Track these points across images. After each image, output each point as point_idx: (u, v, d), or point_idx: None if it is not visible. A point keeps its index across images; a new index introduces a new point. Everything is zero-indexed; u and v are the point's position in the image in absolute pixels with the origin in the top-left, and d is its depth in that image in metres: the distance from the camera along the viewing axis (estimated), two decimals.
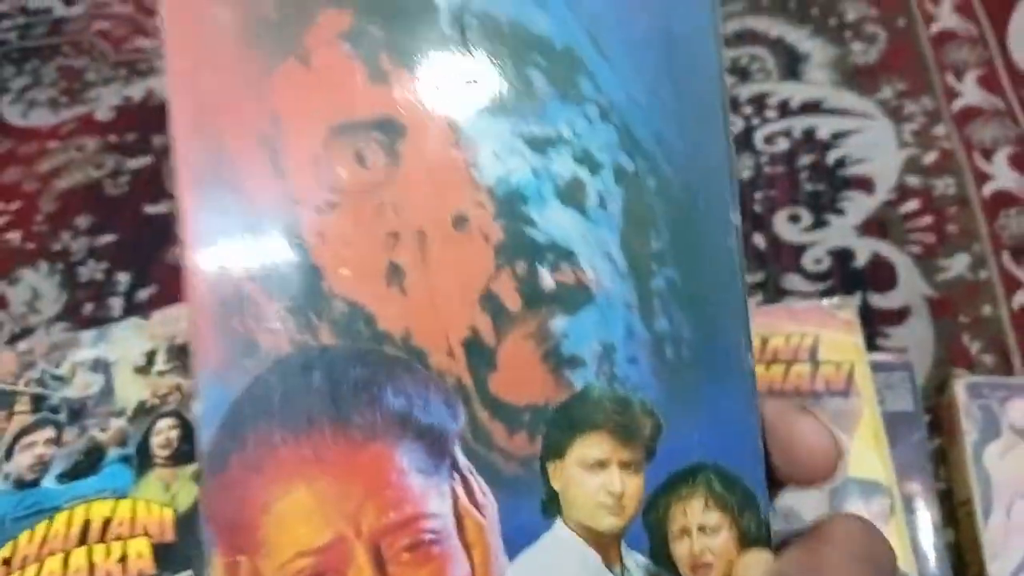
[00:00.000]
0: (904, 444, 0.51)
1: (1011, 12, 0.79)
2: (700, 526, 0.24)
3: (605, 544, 0.25)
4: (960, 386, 0.54)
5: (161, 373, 0.49)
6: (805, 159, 0.72)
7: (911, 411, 0.52)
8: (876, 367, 0.53)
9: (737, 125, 0.75)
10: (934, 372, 0.59)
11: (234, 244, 0.24)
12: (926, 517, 0.49)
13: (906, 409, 0.52)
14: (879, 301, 0.62)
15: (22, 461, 0.46)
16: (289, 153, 0.24)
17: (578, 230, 0.25)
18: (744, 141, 0.74)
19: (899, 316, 0.61)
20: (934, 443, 0.56)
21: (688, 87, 0.25)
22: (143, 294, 0.69)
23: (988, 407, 0.53)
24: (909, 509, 0.49)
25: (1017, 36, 0.78)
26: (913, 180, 0.69)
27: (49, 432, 0.47)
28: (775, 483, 0.25)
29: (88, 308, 0.68)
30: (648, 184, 0.25)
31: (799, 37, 0.82)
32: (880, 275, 0.64)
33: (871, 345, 0.60)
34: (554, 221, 0.25)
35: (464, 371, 0.24)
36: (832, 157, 0.72)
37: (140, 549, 0.43)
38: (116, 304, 0.68)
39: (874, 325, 0.61)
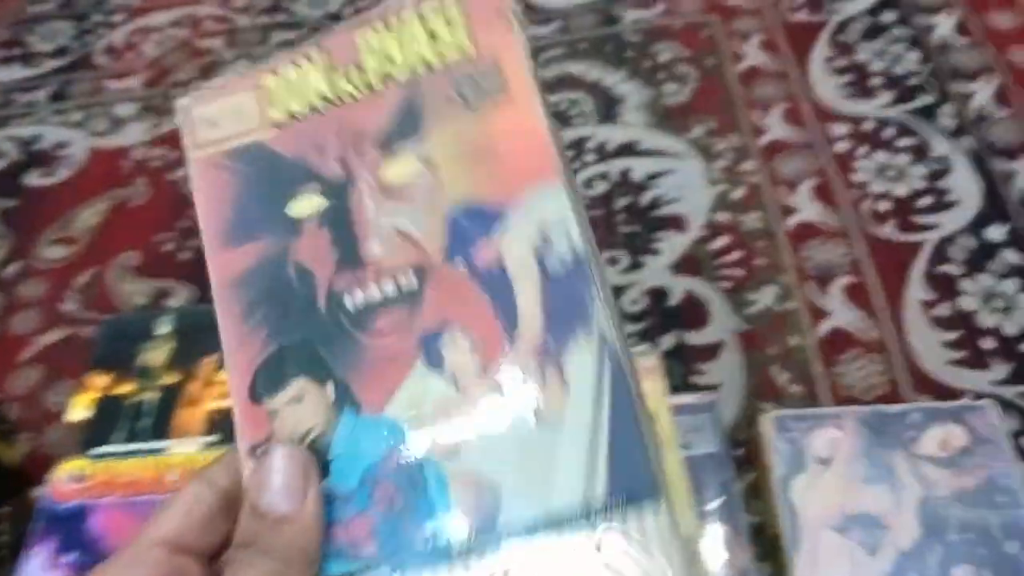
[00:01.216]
0: (712, 486, 0.51)
1: (811, 48, 0.83)
2: None
3: None
4: (766, 421, 0.55)
5: None
6: (621, 201, 0.73)
7: (716, 452, 0.52)
8: (681, 410, 0.53)
9: None
10: (746, 404, 0.60)
11: None
12: (742, 556, 0.49)
13: (711, 451, 0.52)
14: (693, 338, 0.63)
15: None
16: None
17: None
18: None
19: (712, 351, 0.62)
20: (750, 477, 0.57)
21: None
22: None
23: (794, 440, 0.54)
24: (726, 549, 0.49)
25: (818, 71, 0.81)
26: (723, 216, 0.71)
27: None
28: None
29: None
30: None
31: (615, 80, 0.83)
32: (694, 312, 0.65)
33: (686, 383, 0.60)
34: None
35: None
36: (647, 198, 0.73)
37: None
38: None
39: (689, 363, 0.62)
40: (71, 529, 0.44)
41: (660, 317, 0.64)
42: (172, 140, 0.84)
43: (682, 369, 0.61)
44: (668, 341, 0.63)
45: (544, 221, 0.31)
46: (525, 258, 0.31)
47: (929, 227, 0.68)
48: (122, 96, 0.89)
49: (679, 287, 0.66)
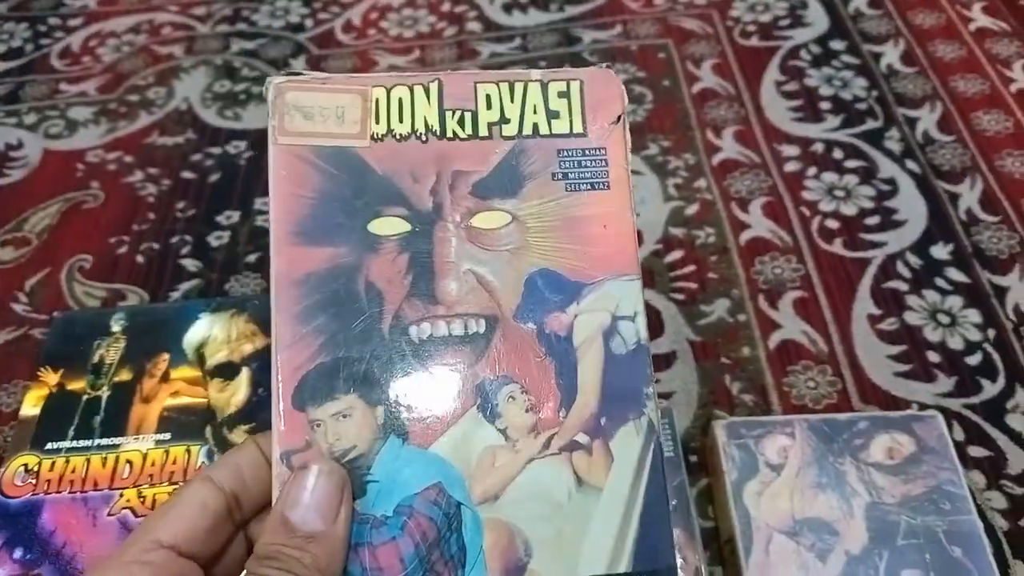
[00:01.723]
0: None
1: (763, 73, 0.85)
2: None
3: None
4: (719, 428, 0.56)
5: None
6: None
7: (671, 456, 0.53)
8: None
9: None
10: (699, 413, 0.61)
11: None
12: (692, 558, 0.50)
13: (667, 455, 0.53)
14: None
15: None
16: None
17: None
18: None
19: (667, 360, 0.63)
20: (702, 483, 0.58)
21: None
22: None
23: (746, 446, 0.55)
24: (679, 551, 0.49)
25: (768, 95, 0.83)
26: (677, 231, 0.72)
27: None
28: None
29: None
30: None
31: None
32: (649, 323, 0.65)
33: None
34: None
35: None
36: None
37: None
38: None
39: None
40: (21, 525, 0.43)
41: None
42: (127, 144, 0.83)
43: None
44: None
45: (618, 307, 0.33)
46: (594, 336, 0.33)
47: (877, 244, 0.70)
48: (77, 100, 0.88)
49: None
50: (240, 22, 0.96)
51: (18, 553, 0.42)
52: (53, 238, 0.75)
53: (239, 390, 0.48)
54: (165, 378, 0.48)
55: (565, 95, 0.35)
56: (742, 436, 0.56)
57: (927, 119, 0.79)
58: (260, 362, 0.49)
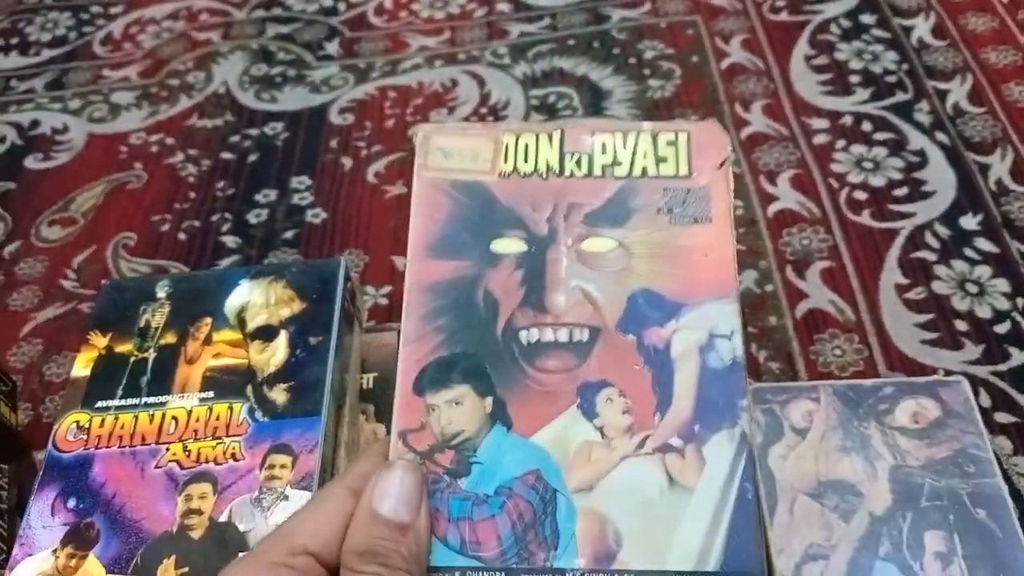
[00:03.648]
0: None
1: (793, 47, 0.86)
2: None
3: None
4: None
5: None
6: None
7: None
8: None
9: None
10: None
11: None
12: None
13: None
14: None
15: None
16: None
17: None
18: None
19: None
20: None
21: None
22: None
23: (771, 411, 0.56)
24: None
25: (798, 69, 0.84)
26: None
27: None
28: None
29: None
30: None
31: (602, 75, 0.85)
32: None
33: None
34: None
35: None
36: None
37: None
38: None
39: None
40: (74, 477, 0.45)
41: None
42: (168, 127, 0.86)
43: None
44: None
45: (715, 326, 0.36)
46: (690, 351, 0.36)
47: (905, 215, 0.70)
48: (120, 85, 0.91)
49: None
50: (275, 7, 0.98)
51: (72, 503, 0.45)
52: (99, 217, 0.78)
53: (278, 351, 0.50)
54: (208, 341, 0.51)
55: (673, 144, 0.40)
56: (768, 401, 0.57)
57: (957, 91, 0.79)
58: (297, 325, 0.51)
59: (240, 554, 0.43)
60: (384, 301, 0.69)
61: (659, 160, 0.39)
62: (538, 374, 0.36)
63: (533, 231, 0.38)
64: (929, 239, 0.69)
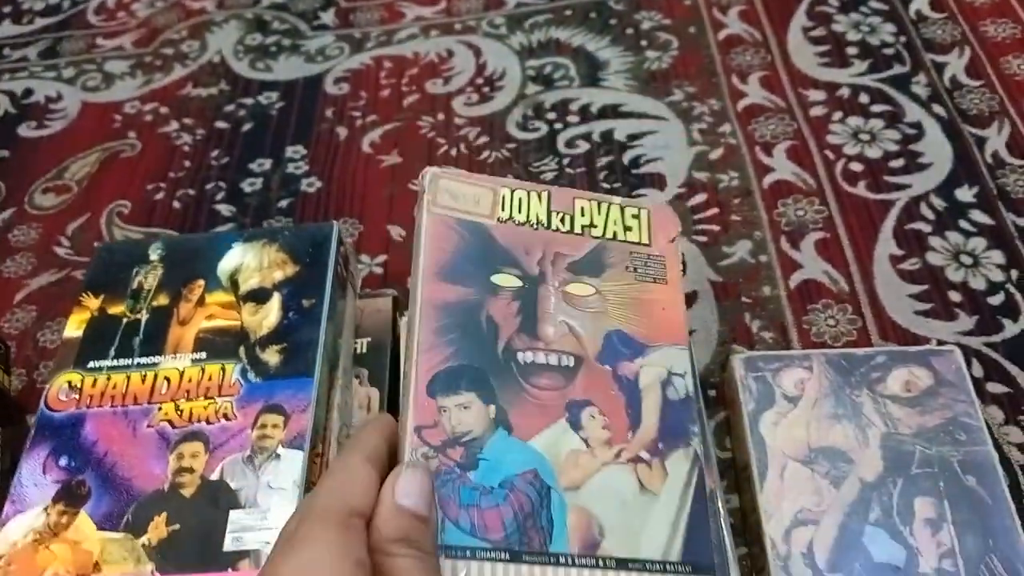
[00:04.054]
0: None
1: (790, 19, 0.85)
2: None
3: None
4: (737, 361, 0.57)
5: None
6: (603, 160, 0.75)
7: None
8: None
9: (542, 130, 0.78)
10: (719, 350, 0.62)
11: None
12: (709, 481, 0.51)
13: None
14: None
15: None
16: None
17: None
18: (548, 145, 0.76)
19: (688, 300, 0.64)
20: (721, 416, 0.59)
21: None
22: None
23: (763, 379, 0.56)
24: None
25: (795, 40, 0.83)
26: (701, 175, 0.73)
27: None
28: None
29: None
30: None
31: (599, 46, 0.85)
32: None
33: None
34: None
35: None
36: (628, 157, 0.75)
37: None
38: None
39: None
40: (66, 436, 0.45)
41: None
42: (163, 96, 0.86)
43: None
44: None
45: (673, 367, 0.45)
46: (654, 383, 0.44)
47: (901, 187, 0.70)
48: (114, 54, 0.90)
49: None
50: None
51: (63, 461, 0.45)
52: (93, 185, 0.78)
53: (271, 313, 0.50)
54: (201, 302, 0.51)
55: (636, 217, 0.49)
56: (760, 369, 0.57)
57: (955, 64, 0.79)
58: (290, 288, 0.51)
59: (232, 512, 0.43)
60: (379, 270, 0.69)
61: (626, 228, 0.49)
62: (533, 389, 0.42)
63: (526, 270, 0.46)
64: (924, 211, 0.69)
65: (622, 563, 0.38)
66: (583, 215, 0.48)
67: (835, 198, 0.70)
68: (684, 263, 0.47)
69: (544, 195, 0.48)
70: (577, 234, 0.48)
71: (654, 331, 0.45)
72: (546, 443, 0.41)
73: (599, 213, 0.49)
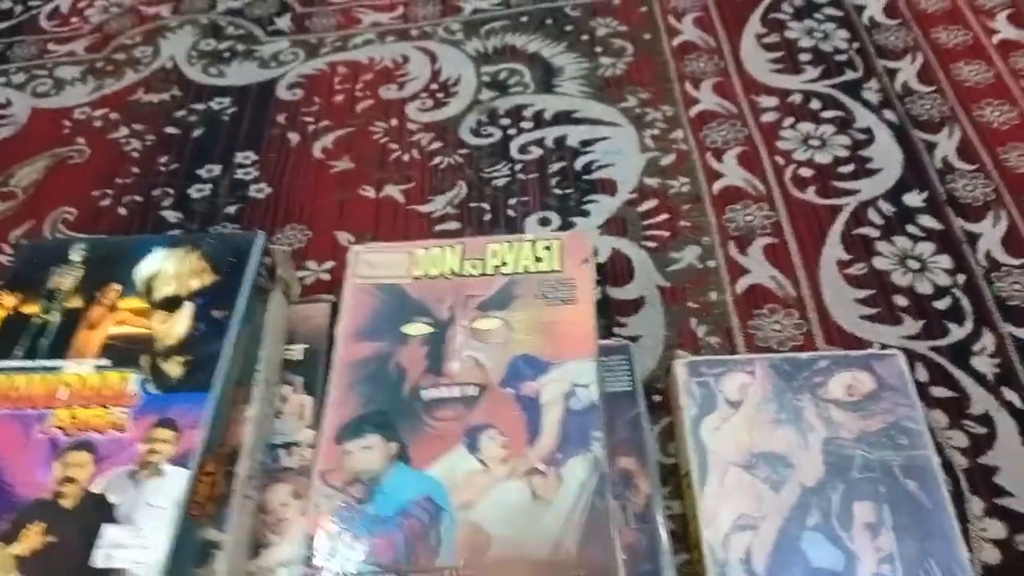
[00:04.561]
0: (622, 422, 0.52)
1: (744, 25, 0.85)
2: None
3: None
4: (680, 366, 0.57)
5: None
6: (556, 165, 0.75)
7: (629, 390, 0.54)
8: (600, 351, 0.55)
9: (495, 136, 0.77)
10: (665, 355, 0.61)
11: None
12: (644, 485, 0.51)
13: (624, 389, 0.54)
14: (617, 293, 0.65)
15: None
16: None
17: None
18: (502, 151, 0.76)
19: (635, 306, 0.64)
20: (666, 421, 0.58)
21: None
22: None
23: (706, 383, 0.56)
24: (625, 484, 0.50)
25: (749, 47, 0.83)
26: (652, 181, 0.73)
27: None
28: None
29: None
30: None
31: (554, 52, 0.85)
32: (618, 269, 0.66)
33: (609, 335, 0.62)
34: None
35: None
36: (580, 163, 0.74)
37: None
38: None
39: (612, 316, 0.63)
40: None
41: None
42: (114, 101, 0.85)
43: (605, 321, 0.63)
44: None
45: (577, 379, 0.49)
46: (556, 397, 0.48)
47: (849, 192, 0.70)
48: (66, 59, 0.89)
49: (606, 246, 0.68)
50: None
51: None
52: (39, 192, 0.77)
53: (180, 323, 0.49)
54: (113, 307, 0.50)
55: (548, 248, 0.55)
56: (702, 374, 0.56)
57: (907, 70, 0.79)
58: (205, 299, 0.50)
59: (106, 527, 0.42)
60: (326, 276, 0.68)
61: (537, 259, 0.54)
62: (435, 422, 0.47)
63: (437, 317, 0.51)
64: (872, 216, 0.69)
65: (508, 570, 0.42)
66: (495, 257, 0.54)
67: (784, 203, 0.70)
68: (611, 276, 0.53)
69: (458, 248, 0.55)
70: (488, 275, 0.53)
71: (560, 349, 0.50)
72: (443, 469, 0.45)
73: (510, 252, 0.54)
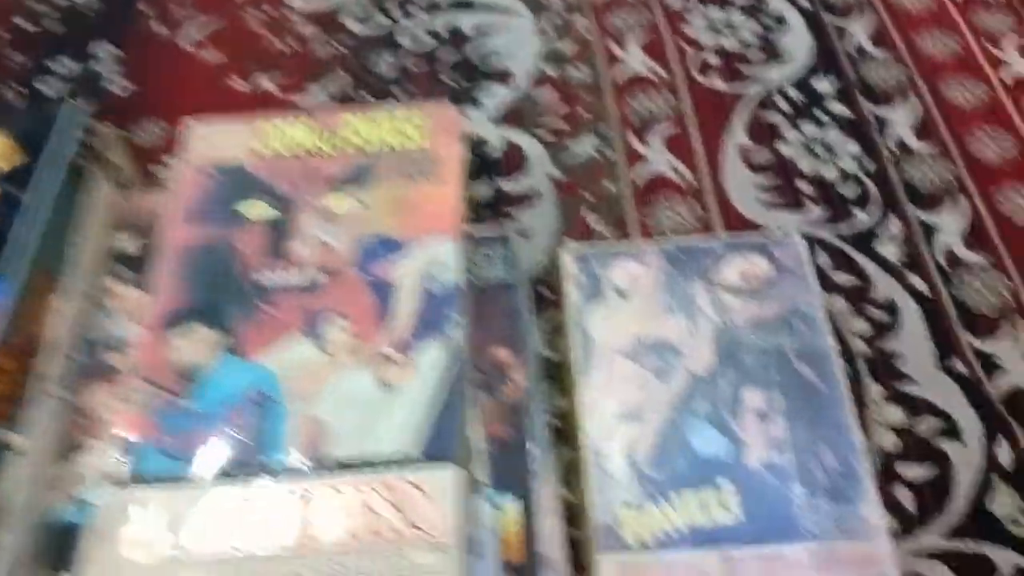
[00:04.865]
0: (499, 313, 0.48)
1: None
2: None
3: None
4: (567, 256, 0.53)
5: None
6: (449, 55, 0.69)
7: (508, 281, 0.50)
8: (477, 242, 0.51)
9: (383, 24, 0.72)
10: (557, 249, 0.57)
11: None
12: (519, 378, 0.47)
13: (503, 279, 0.50)
14: (510, 186, 0.60)
15: None
16: None
17: None
18: (389, 41, 0.70)
19: (528, 199, 0.60)
20: (555, 316, 0.55)
21: None
22: None
23: (593, 272, 0.52)
24: (499, 377, 0.46)
25: None
26: (550, 69, 0.68)
27: None
28: None
29: None
30: None
31: None
32: (512, 161, 0.62)
33: (501, 227, 0.57)
34: None
35: None
36: (475, 52, 0.69)
37: None
38: None
39: (504, 209, 0.59)
40: None
41: (478, 167, 0.61)
42: None
43: (496, 214, 0.58)
44: (485, 190, 0.60)
45: (436, 258, 0.44)
46: (413, 279, 0.44)
47: (756, 79, 0.66)
48: None
49: (500, 138, 0.63)
50: None
51: None
52: None
53: None
54: None
55: (413, 121, 0.50)
56: (590, 263, 0.53)
57: None
58: (14, 180, 0.45)
59: None
60: None
61: (399, 134, 0.49)
62: (272, 309, 0.42)
63: (281, 197, 0.46)
64: (780, 102, 0.65)
65: (345, 465, 0.37)
66: (351, 131, 0.49)
67: (688, 90, 0.66)
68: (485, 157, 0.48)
69: (311, 122, 0.49)
70: (344, 151, 0.49)
71: (419, 227, 0.46)
72: (278, 358, 0.41)
73: (370, 126, 0.50)
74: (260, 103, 0.66)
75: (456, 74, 0.68)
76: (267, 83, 0.67)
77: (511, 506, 0.41)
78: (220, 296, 0.43)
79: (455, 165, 0.48)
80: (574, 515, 0.45)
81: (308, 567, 0.34)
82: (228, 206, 0.46)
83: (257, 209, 0.46)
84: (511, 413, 0.45)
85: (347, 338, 0.41)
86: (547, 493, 0.45)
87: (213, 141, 0.49)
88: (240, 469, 0.37)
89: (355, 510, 0.36)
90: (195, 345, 0.41)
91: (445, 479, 0.36)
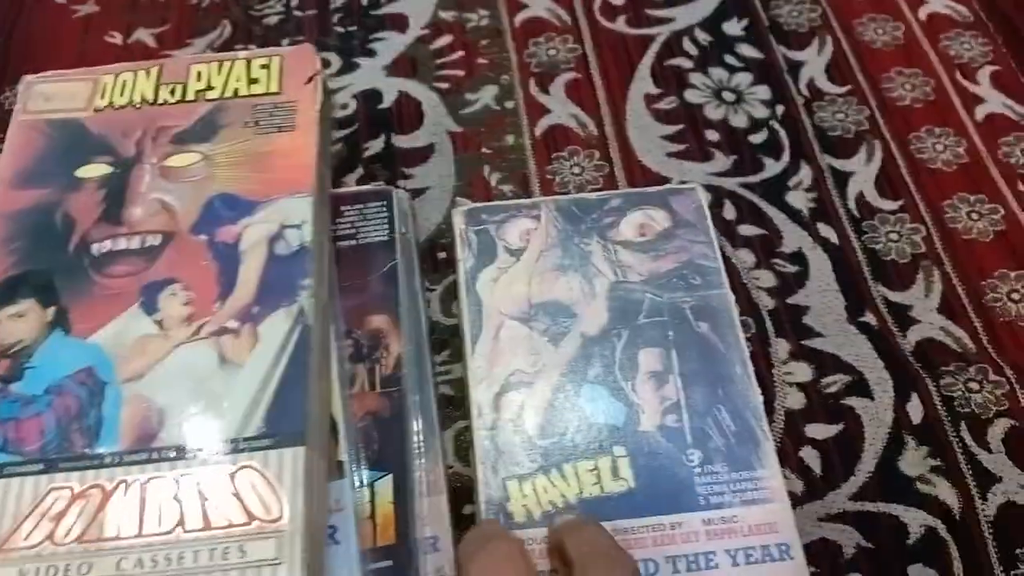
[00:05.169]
0: (376, 276, 0.45)
1: None
2: None
3: None
4: (458, 215, 0.50)
5: None
6: (340, 2, 0.65)
7: (386, 240, 0.47)
8: (356, 198, 0.48)
9: None
10: (454, 207, 0.54)
11: None
12: (394, 346, 0.45)
13: (381, 239, 0.47)
14: (403, 141, 0.57)
15: None
16: None
17: None
18: None
19: (423, 155, 0.56)
20: (450, 279, 0.52)
21: None
22: None
23: (485, 231, 0.50)
24: (376, 345, 0.44)
25: None
26: (447, 15, 0.64)
27: None
28: None
29: None
30: None
31: None
32: (406, 114, 0.58)
33: (393, 186, 0.54)
34: None
35: None
36: None
37: None
38: None
39: (397, 166, 0.56)
40: None
41: (369, 120, 0.58)
42: None
43: (389, 173, 0.55)
44: (376, 145, 0.57)
45: (287, 218, 0.40)
46: (259, 242, 0.39)
47: (663, 21, 0.63)
48: None
49: (392, 89, 0.59)
50: None
51: None
52: None
53: None
54: None
55: (266, 67, 0.46)
56: (483, 222, 0.50)
57: None
58: None
59: None
60: None
61: (251, 81, 0.45)
62: (105, 280, 0.38)
63: (120, 154, 0.42)
64: (687, 46, 0.62)
65: (182, 451, 0.34)
66: (199, 80, 0.45)
67: (591, 35, 0.62)
68: (332, 102, 0.42)
69: (153, 70, 0.45)
70: (189, 102, 0.44)
71: (269, 184, 0.41)
72: (111, 335, 0.37)
73: (219, 74, 0.45)
74: (137, 56, 0.61)
75: (347, 20, 0.64)
76: (146, 36, 0.63)
77: (384, 486, 0.38)
78: (52, 266, 0.39)
79: (311, 113, 0.44)
80: (472, 491, 0.43)
81: (133, 561, 0.31)
82: (63, 167, 0.42)
83: (93, 169, 0.42)
84: (385, 383, 0.42)
85: (183, 309, 0.38)
86: (434, 469, 0.42)
87: (51, 96, 0.44)
88: (65, 458, 0.34)
89: (188, 499, 0.33)
90: (22, 322, 0.37)
91: (287, 462, 0.33)
